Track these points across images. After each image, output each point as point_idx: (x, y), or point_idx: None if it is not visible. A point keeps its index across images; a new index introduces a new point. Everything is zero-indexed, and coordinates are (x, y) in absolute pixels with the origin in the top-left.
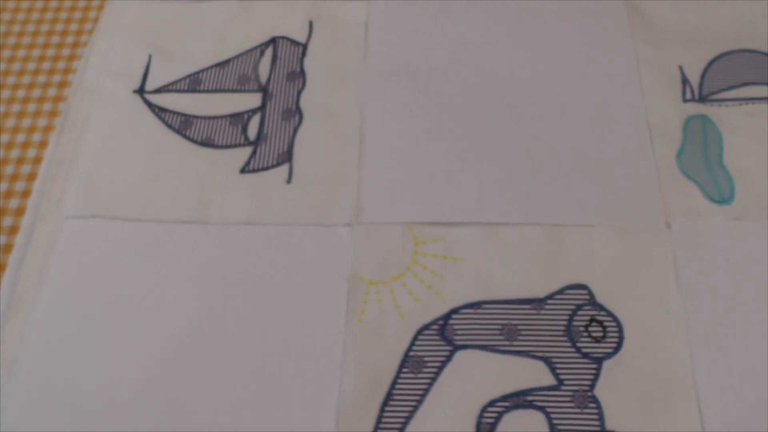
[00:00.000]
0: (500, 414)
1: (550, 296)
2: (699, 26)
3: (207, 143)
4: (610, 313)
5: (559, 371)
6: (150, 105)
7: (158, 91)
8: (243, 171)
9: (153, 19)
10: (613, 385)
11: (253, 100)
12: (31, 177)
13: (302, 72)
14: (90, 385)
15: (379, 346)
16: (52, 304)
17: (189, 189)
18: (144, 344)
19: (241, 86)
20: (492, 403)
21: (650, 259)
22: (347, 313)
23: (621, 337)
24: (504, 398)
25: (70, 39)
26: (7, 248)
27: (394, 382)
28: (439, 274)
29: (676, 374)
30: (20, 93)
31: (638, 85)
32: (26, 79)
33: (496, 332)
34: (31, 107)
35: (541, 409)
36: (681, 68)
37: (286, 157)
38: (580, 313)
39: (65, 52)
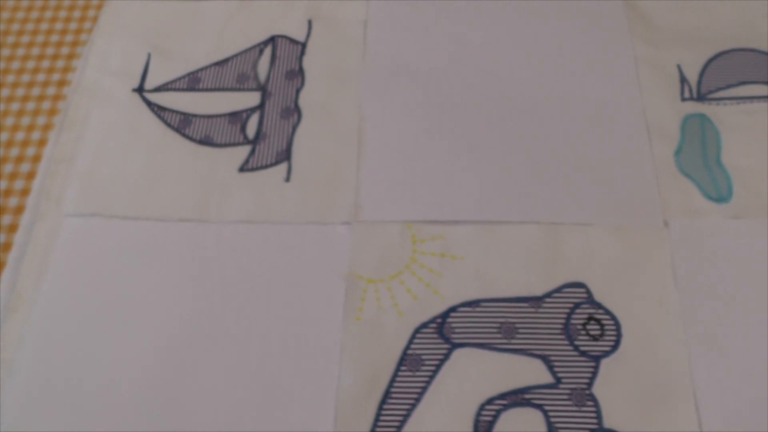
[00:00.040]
0: (498, 412)
1: (548, 294)
2: (697, 25)
3: (206, 142)
4: (607, 312)
5: (557, 369)
6: (149, 104)
7: (157, 89)
8: (242, 169)
9: (152, 18)
10: (611, 383)
11: (252, 98)
12: (31, 175)
13: (301, 71)
14: (89, 383)
15: (377, 344)
16: (52, 303)
17: (188, 187)
18: (143, 342)
19: (240, 85)
20: (490, 401)
21: (648, 257)
22: (345, 311)
23: (619, 336)
24: (502, 396)
25: (69, 38)
26: (7, 246)
27: (392, 380)
28: (437, 273)
29: (673, 372)
30: (20, 91)
31: (637, 84)
32: (26, 78)
33: (494, 330)
34: (31, 106)
35: (539, 407)
36: (679, 67)
37: (285, 155)
38: (578, 311)
39: (65, 50)
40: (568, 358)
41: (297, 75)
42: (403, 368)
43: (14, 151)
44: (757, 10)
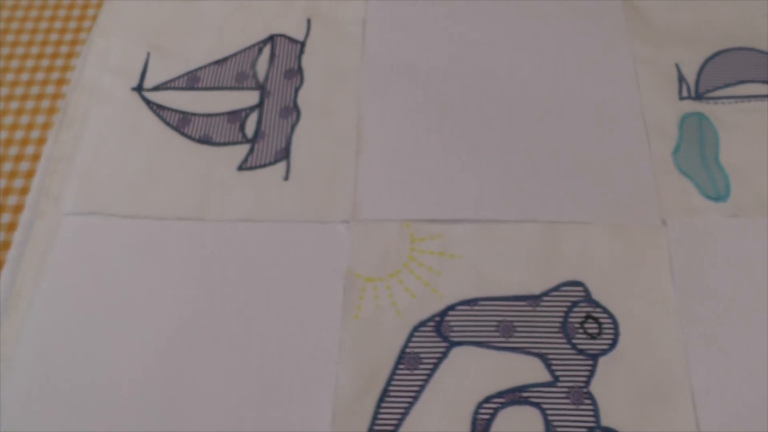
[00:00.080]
0: (496, 410)
1: (546, 293)
2: (696, 24)
3: (205, 140)
4: (605, 310)
5: (554, 368)
6: (148, 102)
7: (156, 88)
8: (241, 168)
9: (152, 17)
10: (609, 382)
11: (251, 97)
12: (30, 174)
13: (300, 70)
14: (87, 381)
15: (375, 342)
16: (51, 301)
17: (187, 186)
18: (142, 341)
19: (239, 84)
20: (488, 400)
21: (646, 255)
22: (344, 310)
23: (616, 334)
24: (499, 394)
25: (68, 36)
26: (6, 245)
27: (390, 379)
28: (435, 271)
29: (671, 370)
30: (19, 90)
31: (635, 83)
32: (25, 77)
33: (492, 329)
34: (30, 104)
35: (537, 405)
36: (678, 66)
37: (284, 154)
38: (575, 309)
39: (64, 49)
40: (565, 357)
41: (296, 74)
42: (401, 367)
43: (13, 150)
44: (755, 9)
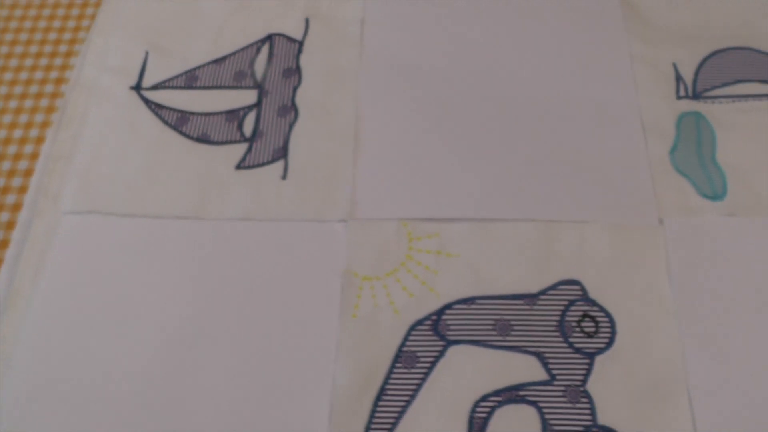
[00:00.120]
0: (493, 409)
1: (543, 292)
2: (693, 24)
3: (203, 139)
4: (602, 309)
5: (551, 366)
6: (147, 101)
7: (155, 87)
8: (239, 167)
9: (150, 17)
10: (606, 380)
11: (249, 96)
12: (28, 173)
13: (298, 69)
14: (85, 380)
15: (372, 341)
16: (49, 300)
17: (185, 185)
18: (140, 339)
19: (237, 83)
20: (484, 398)
21: (643, 254)
22: (341, 309)
23: (613, 333)
24: (496, 393)
25: (67, 36)
26: (4, 244)
27: (388, 377)
28: (433, 270)
29: (668, 369)
30: (17, 89)
31: (632, 83)
32: (23, 76)
33: (489, 327)
34: (29, 103)
35: (534, 403)
36: (675, 65)
37: (282, 153)
38: (572, 308)
39: (62, 48)
40: (562, 355)
41: (294, 73)
42: (398, 365)
43: (12, 149)
44: (752, 8)
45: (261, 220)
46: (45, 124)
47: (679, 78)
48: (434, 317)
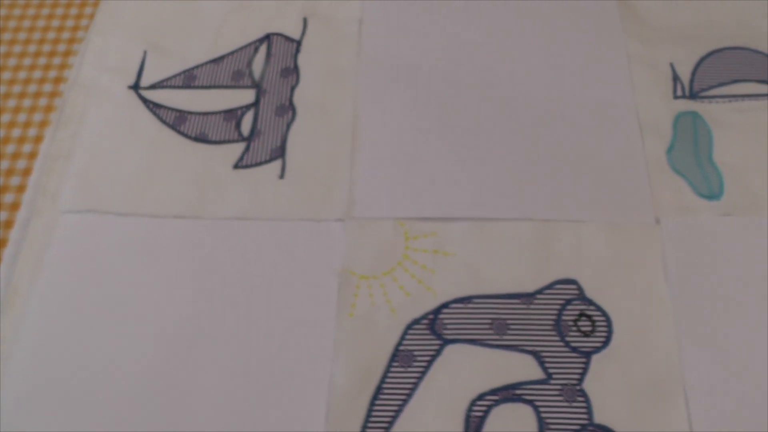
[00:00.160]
0: (489, 408)
1: (540, 291)
2: (690, 24)
3: (201, 139)
4: (599, 308)
5: (547, 365)
6: (145, 101)
7: (153, 87)
8: (236, 166)
9: (149, 16)
10: (602, 379)
11: (247, 96)
12: (27, 172)
13: (296, 68)
14: (83, 379)
15: (369, 340)
16: (47, 299)
17: (183, 184)
18: (138, 338)
19: (235, 82)
20: (481, 397)
21: (640, 254)
22: (338, 307)
23: (610, 332)
24: (493, 392)
25: (66, 35)
26: (2, 243)
27: (384, 376)
28: (429, 269)
29: (664, 368)
30: (16, 88)
31: (629, 82)
32: (22, 75)
33: (486, 326)
34: (27, 102)
35: (530, 402)
36: (672, 65)
37: (279, 152)
38: (569, 307)
39: (61, 47)
40: (559, 354)
41: (292, 72)
42: (395, 364)
43: (10, 148)
44: (750, 9)
45: (258, 219)
46: (43, 124)
47: (676, 78)
48: (431, 316)
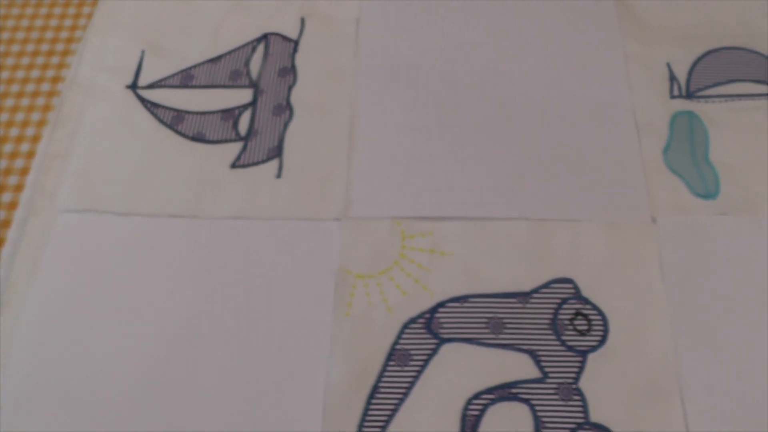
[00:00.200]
0: (485, 406)
1: (536, 290)
2: (687, 24)
3: (198, 138)
4: (595, 307)
5: (544, 364)
6: (142, 100)
7: (151, 86)
8: (234, 166)
9: (147, 16)
10: (598, 378)
11: (245, 95)
12: (25, 171)
13: (293, 68)
14: (81, 378)
15: (366, 339)
16: (45, 298)
17: (180, 183)
18: (135, 337)
19: (232, 82)
20: (477, 396)
21: (636, 253)
22: (335, 307)
23: (606, 331)
24: (489, 391)
25: (64, 34)
26: (0, 242)
27: (381, 375)
28: (426, 268)
29: (660, 367)
30: (14, 87)
31: (626, 82)
32: (20, 74)
33: (482, 325)
34: (25, 102)
35: (526, 401)
36: (669, 65)
37: (276, 152)
38: (565, 306)
39: (59, 47)
40: (555, 353)
41: (289, 72)
42: (391, 363)
43: (8, 147)
44: (746, 8)
45: (256, 219)
46: (42, 123)
47: (672, 78)
48: (427, 315)
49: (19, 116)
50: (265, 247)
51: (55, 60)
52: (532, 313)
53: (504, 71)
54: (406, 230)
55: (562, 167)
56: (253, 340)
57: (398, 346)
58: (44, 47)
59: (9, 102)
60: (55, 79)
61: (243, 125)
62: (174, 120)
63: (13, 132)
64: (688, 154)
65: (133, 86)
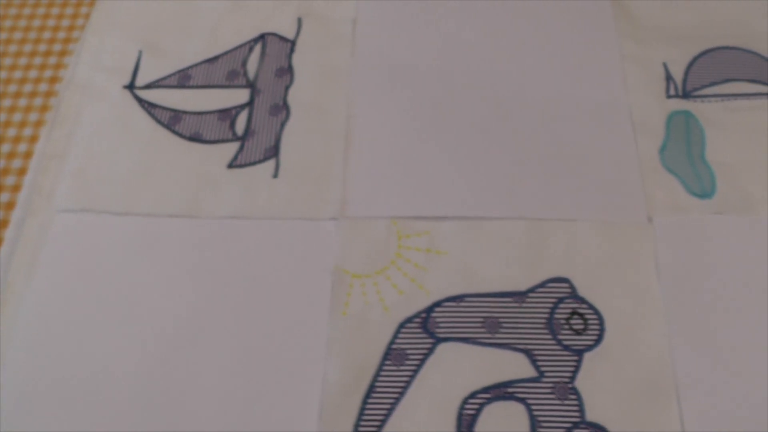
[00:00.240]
0: (481, 406)
1: (532, 289)
2: (683, 23)
3: (195, 138)
4: (591, 306)
5: (540, 363)
6: (140, 100)
7: (148, 86)
8: (230, 166)
9: (145, 16)
10: (594, 378)
11: (242, 95)
12: (22, 171)
13: (290, 68)
14: (79, 378)
15: (362, 338)
16: (42, 298)
17: (178, 183)
18: (132, 337)
19: (229, 82)
20: (473, 395)
21: (632, 252)
22: (332, 306)
23: (602, 330)
24: (485, 390)
25: (61, 35)
26: None
27: (377, 375)
28: (422, 268)
29: (656, 366)
30: (12, 88)
31: (622, 82)
32: (18, 74)
33: (478, 325)
34: (23, 102)
35: (522, 400)
36: (665, 65)
37: (273, 152)
38: (561, 306)
39: (57, 47)
40: (551, 352)
41: (286, 72)
42: (387, 362)
43: (6, 147)
44: (743, 8)
45: (253, 219)
46: (39, 123)
47: (669, 77)
48: (424, 315)
49: (17, 116)
50: (262, 246)
51: (52, 60)
52: (528, 313)
53: (500, 71)
54: (402, 230)
55: (558, 167)
56: (250, 340)
57: (394, 346)
58: (42, 47)
59: (6, 102)
60: (53, 80)
61: (240, 125)
62: (171, 120)
63: (11, 132)
64: (685, 153)
65: (131, 86)
